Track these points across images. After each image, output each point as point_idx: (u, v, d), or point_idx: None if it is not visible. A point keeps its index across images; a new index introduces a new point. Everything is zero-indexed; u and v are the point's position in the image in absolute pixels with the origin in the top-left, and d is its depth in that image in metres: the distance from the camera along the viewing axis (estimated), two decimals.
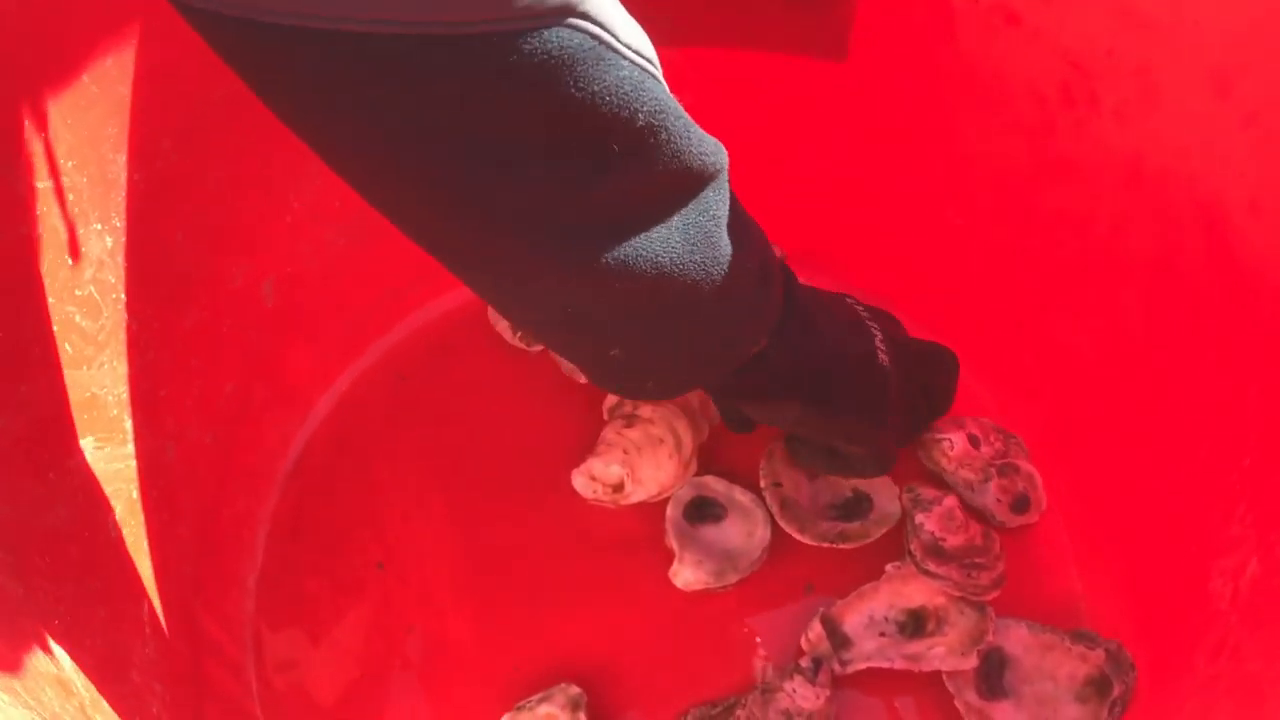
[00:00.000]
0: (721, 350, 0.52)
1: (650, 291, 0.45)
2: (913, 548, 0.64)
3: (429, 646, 0.67)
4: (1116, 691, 0.60)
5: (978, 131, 0.68)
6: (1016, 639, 0.64)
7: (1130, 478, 0.65)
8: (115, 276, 0.55)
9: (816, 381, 0.57)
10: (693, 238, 0.45)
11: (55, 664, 0.40)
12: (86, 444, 0.53)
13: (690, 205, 0.45)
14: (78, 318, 0.52)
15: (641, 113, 0.40)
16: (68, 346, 0.52)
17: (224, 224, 0.63)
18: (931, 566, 0.63)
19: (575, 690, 0.63)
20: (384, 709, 0.66)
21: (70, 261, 0.51)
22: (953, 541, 0.65)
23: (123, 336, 0.56)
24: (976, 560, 0.65)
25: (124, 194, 0.55)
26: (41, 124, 0.49)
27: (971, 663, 0.62)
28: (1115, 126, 0.61)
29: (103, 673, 0.45)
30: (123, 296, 0.56)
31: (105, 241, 0.54)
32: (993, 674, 0.63)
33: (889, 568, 0.66)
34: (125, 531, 0.55)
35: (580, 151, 0.40)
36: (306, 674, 0.67)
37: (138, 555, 0.57)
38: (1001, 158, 0.68)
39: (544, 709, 0.62)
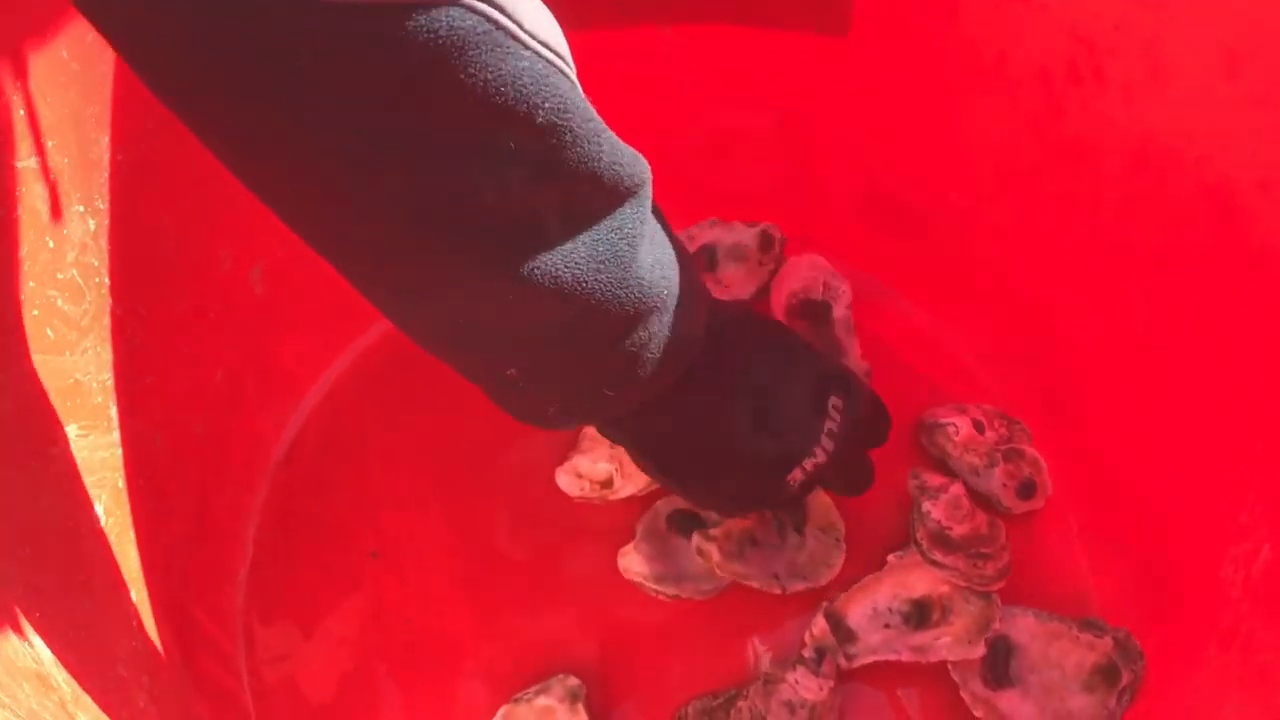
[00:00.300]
0: (623, 384, 0.48)
1: (547, 309, 0.42)
2: (919, 536, 0.64)
3: (424, 638, 0.66)
4: (1125, 680, 0.59)
5: (982, 110, 0.67)
6: (1023, 627, 0.63)
7: (1137, 464, 0.64)
8: (98, 260, 0.54)
9: (695, 456, 0.54)
10: (601, 255, 0.42)
11: (35, 659, 0.39)
12: (70, 431, 0.51)
13: (602, 222, 0.42)
14: (60, 302, 0.51)
15: (542, 110, 0.37)
16: (49, 331, 0.50)
17: (211, 208, 0.61)
18: (938, 556, 0.63)
19: (574, 681, 0.62)
20: (379, 702, 0.65)
21: (51, 244, 0.50)
22: (959, 530, 0.64)
23: (107, 322, 0.55)
24: (982, 550, 0.64)
25: (107, 175, 0.54)
26: (20, 101, 0.47)
27: (979, 651, 0.61)
28: (1123, 106, 0.60)
29: (86, 667, 0.43)
30: (106, 281, 0.55)
31: (88, 224, 0.53)
32: (999, 663, 0.62)
33: (891, 558, 0.65)
34: (111, 522, 0.54)
35: (471, 146, 0.37)
36: (299, 667, 0.66)
37: (124, 546, 0.55)
38: (1006, 138, 0.67)
39: (541, 701, 0.62)
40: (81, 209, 0.52)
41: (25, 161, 0.48)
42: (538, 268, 0.40)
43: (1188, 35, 0.55)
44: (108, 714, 0.42)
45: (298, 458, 0.72)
